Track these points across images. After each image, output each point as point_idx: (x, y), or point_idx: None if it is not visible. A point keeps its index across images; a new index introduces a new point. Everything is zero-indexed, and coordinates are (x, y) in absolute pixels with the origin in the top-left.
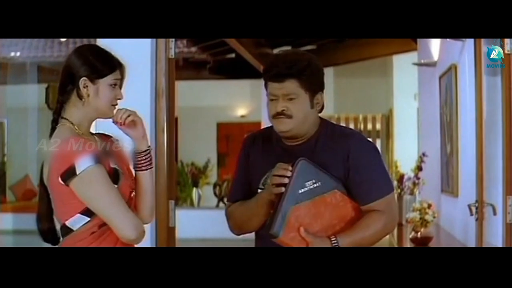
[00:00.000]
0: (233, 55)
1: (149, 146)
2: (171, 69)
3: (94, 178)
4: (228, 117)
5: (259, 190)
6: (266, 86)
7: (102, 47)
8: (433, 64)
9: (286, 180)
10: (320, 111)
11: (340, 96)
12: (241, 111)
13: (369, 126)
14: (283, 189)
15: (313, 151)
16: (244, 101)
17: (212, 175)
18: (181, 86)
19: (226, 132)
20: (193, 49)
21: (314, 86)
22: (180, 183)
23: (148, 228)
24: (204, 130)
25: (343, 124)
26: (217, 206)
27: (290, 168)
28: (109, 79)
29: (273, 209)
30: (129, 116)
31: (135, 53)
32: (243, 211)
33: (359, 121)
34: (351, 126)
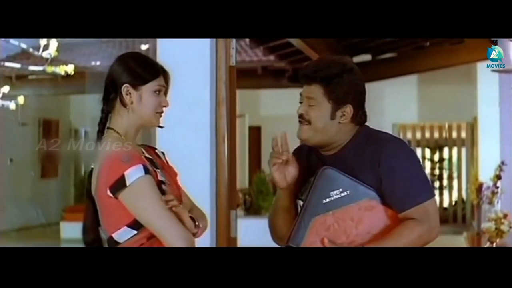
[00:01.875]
0: None
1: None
2: (232, 77)
3: (144, 189)
4: None
5: (297, 201)
6: None
7: (160, 51)
8: (511, 70)
9: (279, 160)
10: (360, 123)
11: (425, 104)
12: None
13: (454, 134)
14: (275, 167)
15: (345, 160)
16: None
17: None
18: (262, 94)
19: None
20: (271, 57)
21: (341, 97)
22: (262, 192)
23: (208, 238)
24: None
25: (427, 133)
26: None
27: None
28: (152, 85)
29: (295, 221)
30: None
31: (195, 61)
32: (273, 214)
33: (444, 129)
34: (436, 134)
